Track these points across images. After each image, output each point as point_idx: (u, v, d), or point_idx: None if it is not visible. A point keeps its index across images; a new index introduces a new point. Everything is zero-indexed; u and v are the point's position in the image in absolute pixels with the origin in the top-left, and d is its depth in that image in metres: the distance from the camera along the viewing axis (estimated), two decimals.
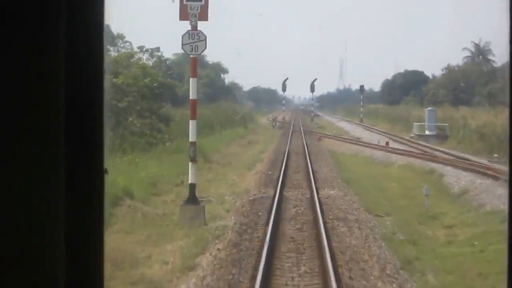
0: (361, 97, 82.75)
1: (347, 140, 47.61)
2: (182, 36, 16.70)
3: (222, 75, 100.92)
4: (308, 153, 36.08)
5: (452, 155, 35.94)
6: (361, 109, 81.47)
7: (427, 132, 52.65)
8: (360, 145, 43.04)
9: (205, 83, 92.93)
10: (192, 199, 16.89)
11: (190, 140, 17.37)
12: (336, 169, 30.04)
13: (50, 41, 1.92)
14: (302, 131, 57.42)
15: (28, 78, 1.90)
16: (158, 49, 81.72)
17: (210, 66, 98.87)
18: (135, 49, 72.28)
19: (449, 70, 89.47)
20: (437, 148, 40.86)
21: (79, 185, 1.99)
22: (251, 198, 20.41)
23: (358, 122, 76.47)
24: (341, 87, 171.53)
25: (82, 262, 2.02)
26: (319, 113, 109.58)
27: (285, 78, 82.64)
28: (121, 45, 64.39)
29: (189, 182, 17.20)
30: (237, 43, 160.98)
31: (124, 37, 66.31)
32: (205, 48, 16.84)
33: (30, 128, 1.90)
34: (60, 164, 1.93)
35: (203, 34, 16.73)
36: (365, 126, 69.57)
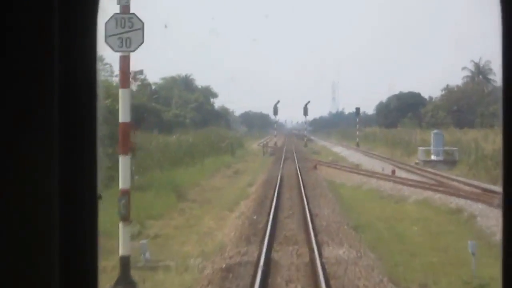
0: (357, 120, 76.23)
1: (346, 168, 41.09)
2: (106, 24, 10.28)
3: (212, 99, 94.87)
4: (303, 185, 29.64)
5: (473, 185, 29.52)
6: (357, 132, 74.94)
7: (433, 157, 46.34)
8: (362, 174, 36.51)
9: (194, 108, 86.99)
10: (125, 282, 10.34)
11: (120, 187, 10.84)
12: (340, 208, 23.57)
13: (43, 69, 1.90)
14: (295, 157, 50.82)
15: (22, 103, 1.87)
16: (141, 72, 75.64)
17: (199, 90, 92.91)
18: (116, 73, 66.70)
19: (449, 90, 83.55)
20: (451, 176, 34.39)
21: (73, 211, 1.95)
22: (224, 265, 13.81)
23: (354, 147, 70.00)
24: (334, 111, 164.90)
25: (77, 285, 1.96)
26: (312, 137, 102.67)
27: (276, 101, 75.67)
28: (101, 67, 57.96)
29: (120, 254, 10.65)
30: (229, 68, 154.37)
31: (104, 59, 59.81)
32: (143, 41, 10.33)
33: (25, 156, 1.86)
34: (54, 191, 1.89)
35: (139, 20, 10.29)
36: (362, 151, 63.14)
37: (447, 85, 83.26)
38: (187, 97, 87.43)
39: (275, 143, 75.35)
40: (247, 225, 19.10)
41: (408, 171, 38.90)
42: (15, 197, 1.84)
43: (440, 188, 27.48)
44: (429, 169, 39.69)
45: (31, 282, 1.85)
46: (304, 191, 27.33)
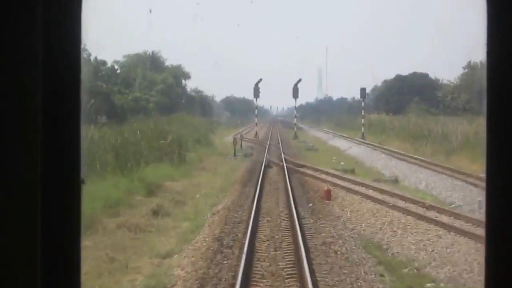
0: (363, 104, 53.71)
1: (388, 197, 18.75)
2: None
3: (183, 81, 71.85)
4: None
5: None
6: (362, 120, 52.57)
7: None
8: (446, 227, 14.24)
9: (160, 90, 64.38)
10: None
11: None
12: None
13: (26, 52, 1.77)
14: (283, 161, 28.64)
15: (5, 90, 1.76)
16: None
17: (168, 69, 69.83)
18: None
19: (471, 68, 61.40)
20: None
21: (56, 196, 1.82)
22: None
23: (359, 139, 47.68)
24: (321, 97, 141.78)
25: (59, 273, 1.82)
26: (301, 125, 79.78)
27: (258, 79, 53.58)
28: None
29: None
30: (213, 53, 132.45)
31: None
32: None
33: (8, 140, 1.76)
34: (37, 175, 1.78)
35: None
36: (375, 146, 40.83)
37: (470, 62, 61.18)
38: (152, 78, 64.87)
39: (256, 134, 53.03)
40: None
41: None
42: None
43: None
44: None
45: (11, 265, 1.69)
46: None
